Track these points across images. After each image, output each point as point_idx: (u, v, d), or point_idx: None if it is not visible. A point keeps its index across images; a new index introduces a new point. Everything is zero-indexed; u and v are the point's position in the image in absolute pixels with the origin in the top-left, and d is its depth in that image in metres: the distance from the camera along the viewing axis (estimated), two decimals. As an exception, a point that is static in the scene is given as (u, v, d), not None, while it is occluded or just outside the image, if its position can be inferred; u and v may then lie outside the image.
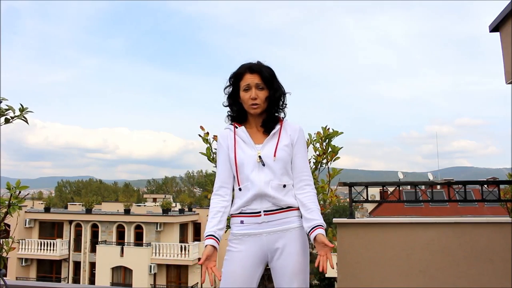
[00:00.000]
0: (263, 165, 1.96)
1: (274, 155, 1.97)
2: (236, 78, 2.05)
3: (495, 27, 4.12)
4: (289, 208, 1.98)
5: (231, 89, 2.08)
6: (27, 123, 2.76)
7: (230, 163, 2.03)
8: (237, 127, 2.07)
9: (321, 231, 1.89)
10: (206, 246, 1.91)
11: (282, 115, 2.12)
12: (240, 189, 1.99)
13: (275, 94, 2.04)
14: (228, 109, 2.13)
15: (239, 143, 2.02)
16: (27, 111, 2.76)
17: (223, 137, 2.08)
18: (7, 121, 2.70)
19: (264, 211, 1.95)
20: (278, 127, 2.04)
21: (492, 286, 3.74)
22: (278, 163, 1.97)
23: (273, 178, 1.95)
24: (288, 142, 2.02)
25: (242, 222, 1.97)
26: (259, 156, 1.97)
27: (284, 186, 1.97)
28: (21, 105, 2.72)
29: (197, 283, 24.26)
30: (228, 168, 2.04)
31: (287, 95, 2.10)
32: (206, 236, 1.93)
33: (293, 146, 2.03)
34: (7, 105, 2.68)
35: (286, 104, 2.11)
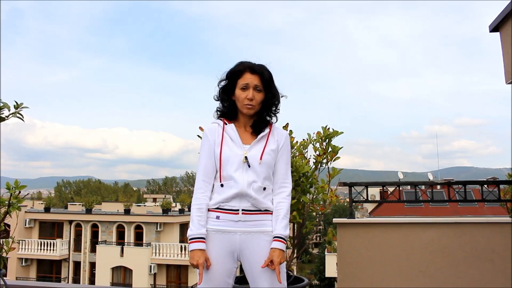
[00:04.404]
0: (249, 166, 1.95)
1: (261, 158, 1.96)
2: (234, 75, 2.01)
3: (495, 27, 4.13)
4: (266, 211, 1.98)
5: (226, 83, 2.05)
6: (23, 119, 2.73)
7: (214, 159, 2.01)
8: (226, 124, 2.05)
9: (277, 244, 1.90)
10: (201, 250, 1.89)
11: (273, 119, 2.11)
12: (221, 185, 1.98)
13: (272, 99, 2.04)
14: (218, 103, 2.11)
15: (227, 140, 2.00)
16: (22, 107, 2.72)
17: (211, 131, 2.04)
18: (2, 119, 2.67)
19: (243, 210, 1.94)
20: (267, 130, 2.04)
21: (492, 286, 3.74)
22: (263, 166, 1.97)
23: (256, 180, 1.95)
24: (275, 147, 2.02)
25: (218, 217, 1.96)
26: (245, 157, 1.96)
27: (264, 188, 1.97)
28: (15, 102, 2.69)
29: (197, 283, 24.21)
30: (211, 162, 2.01)
31: (281, 101, 2.09)
32: (198, 238, 1.91)
33: (278, 151, 2.03)
34: (1, 102, 2.66)
35: (279, 110, 2.10)
